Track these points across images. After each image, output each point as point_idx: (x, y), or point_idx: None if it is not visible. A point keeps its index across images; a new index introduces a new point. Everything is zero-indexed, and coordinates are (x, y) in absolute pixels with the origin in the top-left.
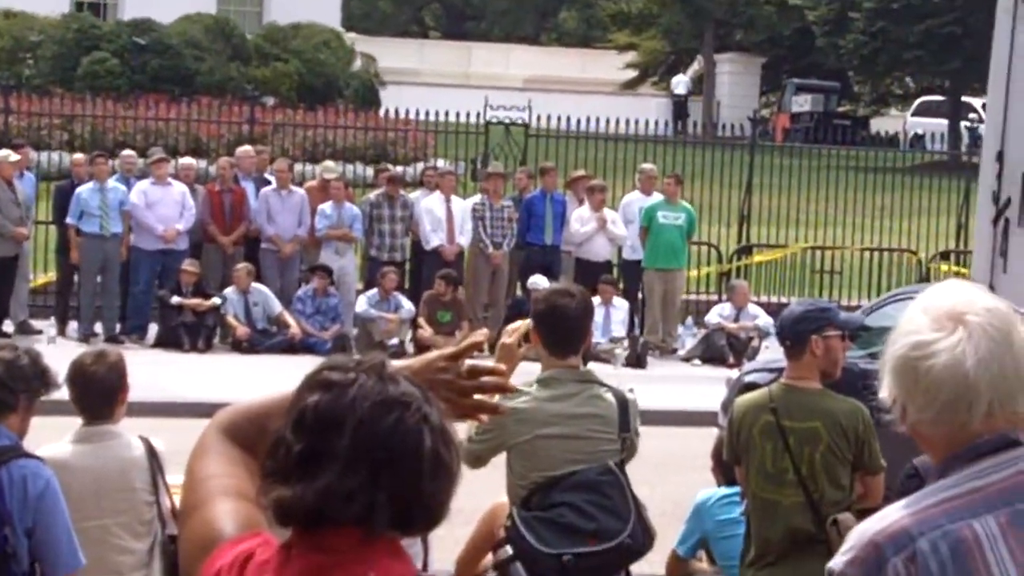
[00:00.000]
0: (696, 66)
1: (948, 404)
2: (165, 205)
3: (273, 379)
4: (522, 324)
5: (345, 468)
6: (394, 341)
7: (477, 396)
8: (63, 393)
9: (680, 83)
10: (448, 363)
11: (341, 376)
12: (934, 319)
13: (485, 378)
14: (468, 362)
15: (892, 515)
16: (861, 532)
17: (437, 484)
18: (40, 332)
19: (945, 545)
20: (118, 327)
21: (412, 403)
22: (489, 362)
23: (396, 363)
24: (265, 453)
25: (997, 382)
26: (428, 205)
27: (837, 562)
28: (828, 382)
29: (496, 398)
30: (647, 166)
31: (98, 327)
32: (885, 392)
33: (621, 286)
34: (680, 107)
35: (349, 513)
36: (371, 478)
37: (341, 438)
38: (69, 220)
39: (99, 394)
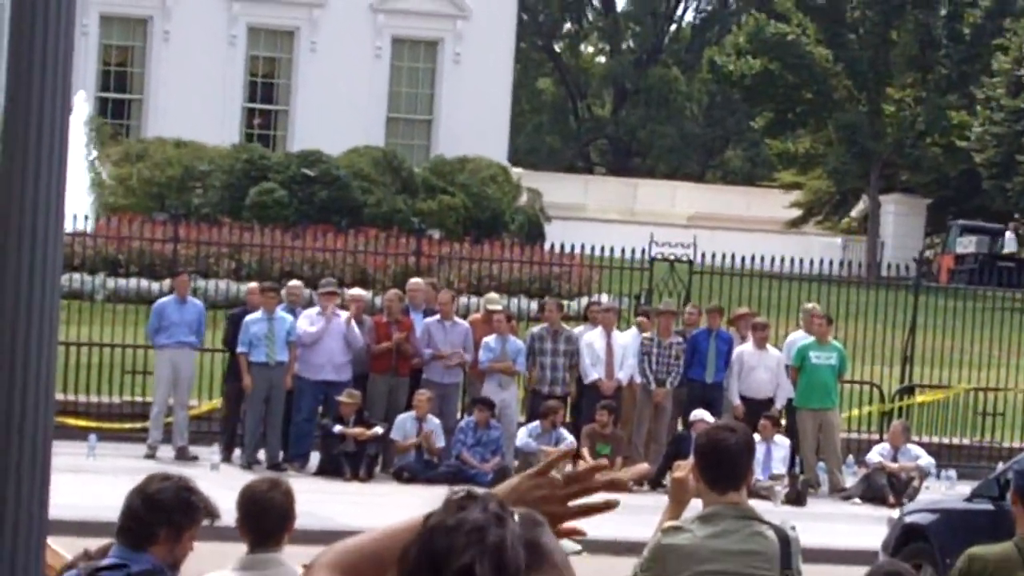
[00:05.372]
0: (861, 205)
1: None
2: (330, 336)
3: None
4: (692, 460)
5: None
6: (553, 474)
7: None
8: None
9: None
10: (536, 480)
11: (456, 519)
12: None
13: (592, 479)
14: (562, 471)
15: None
16: None
17: None
18: (196, 458)
19: None
20: (280, 455)
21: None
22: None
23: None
24: None
25: None
26: (589, 339)
27: None
28: None
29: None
30: (809, 305)
31: (260, 454)
32: None
33: (784, 423)
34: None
35: None
36: None
37: None
38: (240, 349)
39: (273, 521)
